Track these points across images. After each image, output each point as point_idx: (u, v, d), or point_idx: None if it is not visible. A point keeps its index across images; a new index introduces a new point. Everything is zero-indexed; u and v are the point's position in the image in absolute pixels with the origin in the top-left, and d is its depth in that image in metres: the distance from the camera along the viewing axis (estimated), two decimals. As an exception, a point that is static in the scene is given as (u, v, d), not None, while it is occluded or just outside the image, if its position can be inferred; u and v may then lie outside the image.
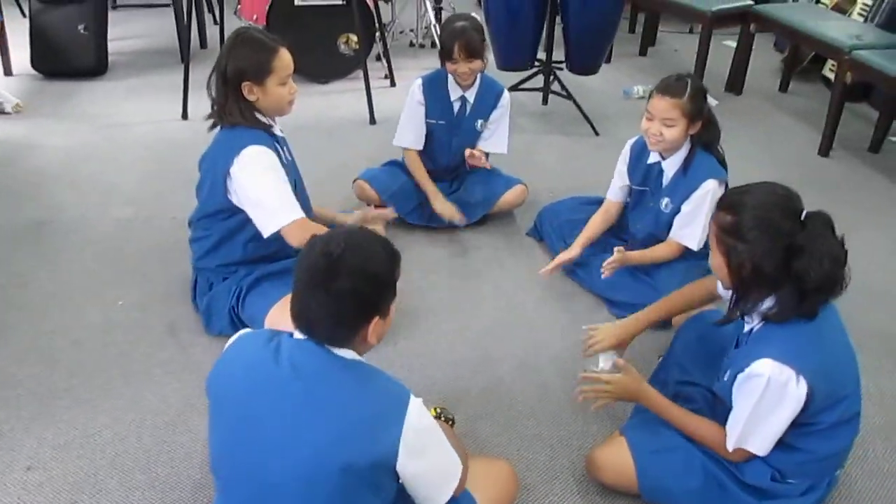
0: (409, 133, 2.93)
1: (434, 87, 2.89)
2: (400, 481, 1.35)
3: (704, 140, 2.39)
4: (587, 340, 2.04)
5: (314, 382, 1.31)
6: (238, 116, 2.12)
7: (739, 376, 1.59)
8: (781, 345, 1.54)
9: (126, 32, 5.34)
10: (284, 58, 2.11)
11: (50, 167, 3.43)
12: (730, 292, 1.72)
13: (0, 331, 2.34)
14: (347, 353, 1.36)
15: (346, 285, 1.29)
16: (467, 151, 2.82)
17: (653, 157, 2.48)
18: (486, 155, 2.93)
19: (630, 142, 2.58)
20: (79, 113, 4.04)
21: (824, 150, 3.75)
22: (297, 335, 1.37)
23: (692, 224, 2.39)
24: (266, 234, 2.14)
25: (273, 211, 2.12)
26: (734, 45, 4.64)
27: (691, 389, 1.91)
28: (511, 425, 2.05)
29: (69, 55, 4.43)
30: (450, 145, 2.96)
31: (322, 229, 2.13)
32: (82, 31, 4.38)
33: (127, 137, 3.76)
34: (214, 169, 2.16)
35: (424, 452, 1.35)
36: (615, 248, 2.37)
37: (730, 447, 1.65)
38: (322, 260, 1.30)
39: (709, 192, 2.33)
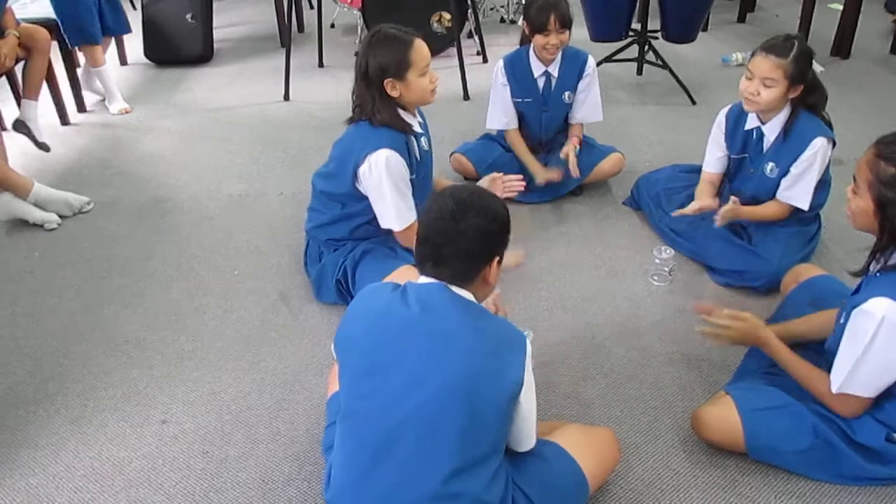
0: (500, 115, 2.97)
1: (516, 67, 2.91)
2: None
3: (808, 103, 2.32)
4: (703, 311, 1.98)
5: (443, 317, 1.40)
6: (385, 116, 2.19)
7: (853, 312, 1.57)
8: None
9: (230, 20, 5.58)
10: (421, 49, 2.16)
11: (165, 150, 3.65)
12: None
13: (130, 298, 2.54)
14: (468, 295, 1.45)
15: (475, 221, 1.41)
16: (562, 152, 2.83)
17: (751, 123, 2.43)
18: (580, 143, 2.94)
19: (724, 110, 2.54)
20: (189, 98, 4.26)
21: (941, 114, 3.57)
22: (422, 279, 1.46)
23: (801, 184, 2.35)
24: (383, 225, 2.27)
25: (390, 213, 2.23)
26: (840, 7, 4.44)
27: (800, 351, 1.88)
28: (613, 388, 2.09)
29: (178, 44, 4.68)
30: (540, 121, 2.98)
31: None
32: (190, 20, 4.62)
33: (234, 120, 3.96)
34: (346, 158, 2.25)
35: (531, 390, 1.45)
36: (731, 198, 2.34)
37: (834, 390, 1.63)
38: (451, 202, 1.43)
39: (818, 150, 2.28)
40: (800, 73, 2.24)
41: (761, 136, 2.42)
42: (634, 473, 1.82)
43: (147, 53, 4.74)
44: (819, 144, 2.28)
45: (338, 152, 2.33)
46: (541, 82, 2.92)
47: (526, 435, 1.52)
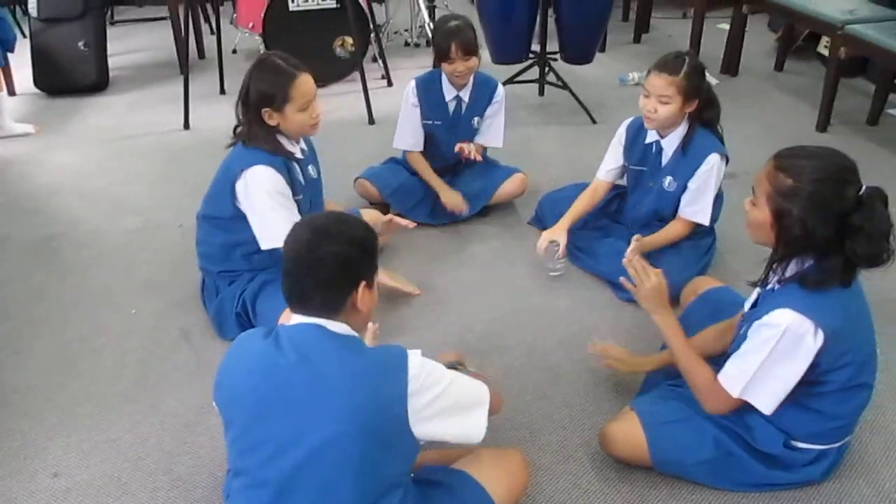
0: (408, 136, 2.97)
1: (428, 89, 2.93)
2: (422, 443, 1.40)
3: (705, 118, 2.41)
4: (597, 351, 2.04)
5: (320, 362, 1.35)
6: (261, 141, 2.16)
7: (755, 324, 1.60)
8: (805, 299, 1.55)
9: (126, 47, 5.40)
10: (303, 85, 2.13)
11: (58, 183, 3.48)
12: None
13: (20, 343, 2.40)
14: (343, 328, 1.41)
15: (330, 248, 1.38)
16: (457, 146, 2.86)
17: (651, 137, 2.51)
18: (485, 149, 2.97)
19: (626, 122, 2.62)
20: (83, 128, 4.10)
21: (822, 126, 3.78)
22: (294, 318, 1.42)
23: (701, 200, 2.43)
24: (263, 247, 2.21)
25: (269, 229, 2.17)
26: (728, 27, 4.66)
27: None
28: (523, 409, 2.09)
29: (71, 72, 4.49)
30: (449, 145, 2.99)
31: None
32: (82, 47, 4.45)
33: (131, 149, 3.82)
34: (226, 176, 2.22)
35: (434, 386, 1.38)
36: (633, 238, 2.36)
37: (734, 393, 1.64)
38: (306, 231, 1.41)
39: (713, 166, 2.37)
40: (693, 88, 2.32)
41: (660, 150, 2.49)
42: (545, 495, 1.82)
43: (37, 82, 4.53)
44: (714, 160, 2.38)
45: (219, 173, 2.29)
46: (451, 105, 2.94)
47: (459, 435, 1.46)
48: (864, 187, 1.53)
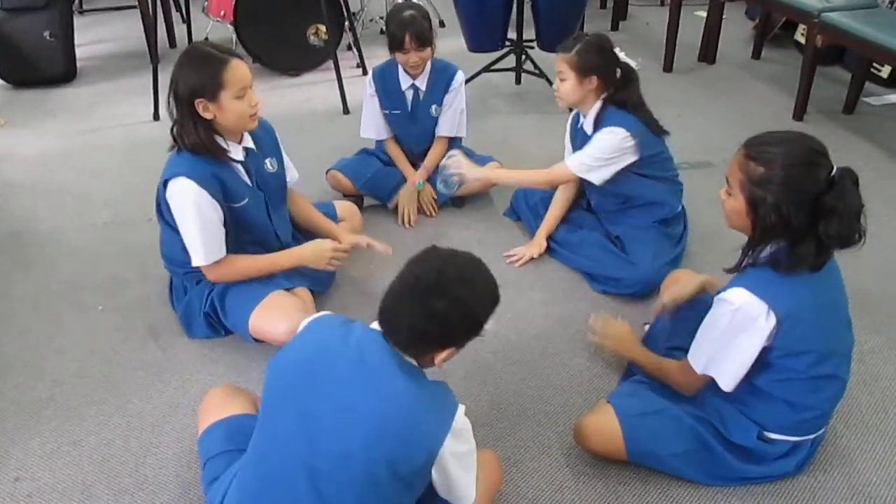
0: (371, 126, 2.95)
1: (385, 79, 2.88)
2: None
3: (617, 99, 2.41)
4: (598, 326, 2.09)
5: (376, 369, 1.32)
6: (195, 137, 2.01)
7: (716, 299, 1.64)
8: (764, 282, 1.57)
9: (94, 37, 5.29)
10: (237, 70, 1.99)
11: (23, 177, 3.40)
12: None
13: (-19, 344, 2.33)
14: (411, 360, 1.39)
15: (442, 308, 1.31)
16: (442, 162, 2.81)
17: (581, 121, 2.53)
18: (459, 139, 2.93)
19: (572, 113, 2.61)
20: (50, 121, 4.00)
21: (799, 115, 3.77)
22: (373, 325, 1.40)
23: (581, 154, 2.44)
24: (193, 263, 2.12)
25: (192, 246, 2.09)
26: (705, 15, 4.64)
27: (679, 354, 1.91)
28: (497, 405, 2.06)
29: (36, 63, 4.38)
30: (409, 134, 2.96)
31: (233, 265, 2.13)
32: (48, 38, 4.33)
33: (100, 142, 3.73)
34: (160, 185, 2.11)
35: (468, 441, 1.39)
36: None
37: (699, 369, 1.70)
38: (434, 276, 1.33)
39: (605, 133, 2.38)
40: (587, 64, 2.36)
41: (585, 132, 2.49)
42: (519, 492, 1.80)
43: (2, 74, 4.42)
44: (607, 131, 2.37)
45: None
46: (409, 95, 2.90)
47: (451, 498, 1.45)
48: (834, 168, 1.53)
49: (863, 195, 1.54)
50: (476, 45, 4.04)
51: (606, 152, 2.38)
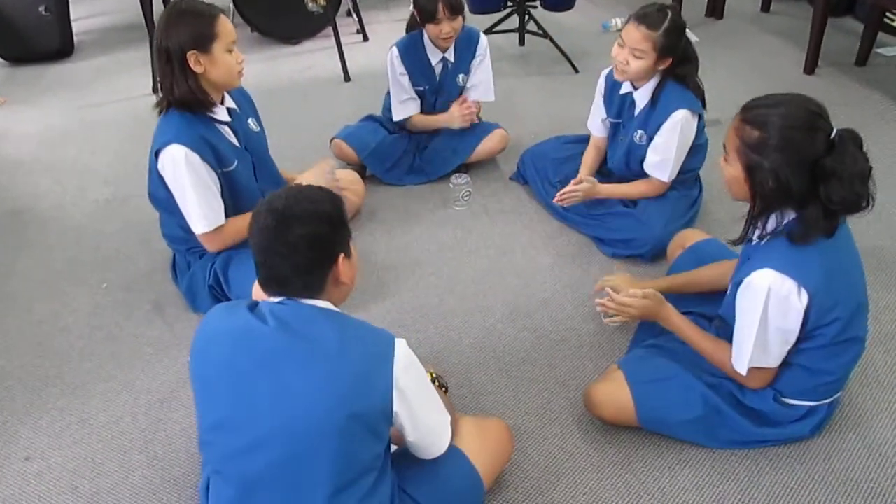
0: (405, 105, 2.85)
1: (412, 55, 2.79)
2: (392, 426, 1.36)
3: (678, 73, 2.30)
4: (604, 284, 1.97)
5: (301, 335, 1.30)
6: (185, 87, 1.99)
7: (740, 287, 1.56)
8: (786, 257, 1.50)
9: (90, 11, 5.22)
10: (226, 23, 2.03)
11: (24, 155, 3.37)
12: None
13: (-14, 324, 2.32)
14: (324, 304, 1.36)
15: (300, 231, 1.30)
16: (455, 106, 2.75)
17: (626, 87, 2.41)
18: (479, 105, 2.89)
19: (604, 72, 2.52)
20: (48, 97, 3.96)
21: (810, 68, 3.67)
22: (273, 300, 1.35)
23: (662, 156, 2.34)
24: (193, 230, 2.11)
25: (191, 214, 2.08)
26: (712, -33, 4.52)
27: (690, 319, 1.88)
28: (506, 371, 2.04)
29: (32, 39, 4.33)
30: (434, 106, 2.90)
31: (230, 226, 2.11)
32: (43, 12, 4.27)
33: (99, 117, 3.70)
34: (151, 157, 2.09)
35: (418, 368, 1.37)
36: (583, 178, 2.31)
37: (743, 370, 1.62)
38: (270, 218, 1.32)
39: (678, 122, 2.27)
40: (670, 45, 2.21)
41: (633, 102, 2.40)
42: (530, 459, 1.78)
43: (-2, 51, 4.38)
44: (679, 117, 2.27)
45: (150, 151, 2.13)
46: (438, 69, 2.82)
47: (424, 444, 1.43)
48: (834, 130, 1.46)
49: (877, 149, 1.47)
50: (478, 5, 3.95)
51: (685, 144, 2.32)
